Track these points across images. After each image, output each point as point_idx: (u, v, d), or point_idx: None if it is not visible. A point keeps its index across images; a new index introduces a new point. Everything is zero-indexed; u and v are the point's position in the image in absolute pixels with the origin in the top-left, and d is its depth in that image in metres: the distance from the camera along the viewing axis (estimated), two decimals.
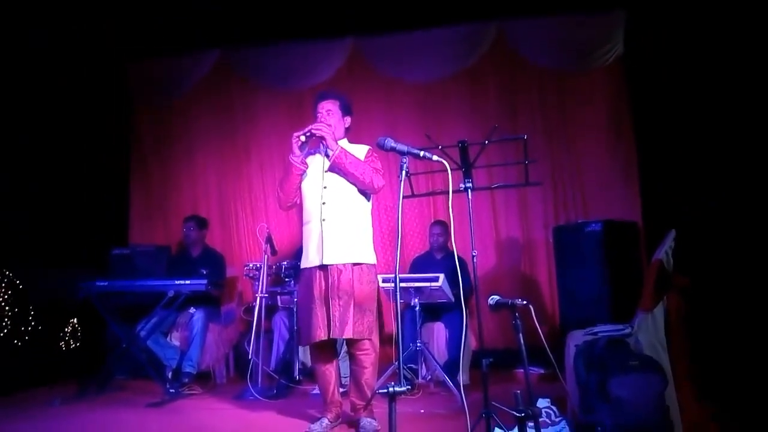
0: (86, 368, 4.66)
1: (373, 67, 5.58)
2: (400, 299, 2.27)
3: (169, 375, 4.49)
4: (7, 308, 5.07)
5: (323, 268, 3.10)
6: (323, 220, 3.09)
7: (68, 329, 5.40)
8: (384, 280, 4.14)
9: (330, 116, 3.19)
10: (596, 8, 5.09)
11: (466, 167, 2.98)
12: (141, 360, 4.30)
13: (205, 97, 5.84)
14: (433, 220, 5.11)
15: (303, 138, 3.07)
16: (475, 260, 2.83)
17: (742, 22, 4.15)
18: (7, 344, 4.98)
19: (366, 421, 3.11)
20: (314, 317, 3.06)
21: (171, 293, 4.14)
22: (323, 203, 3.11)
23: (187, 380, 4.43)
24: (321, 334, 3.03)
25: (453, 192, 2.43)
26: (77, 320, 5.42)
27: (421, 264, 4.80)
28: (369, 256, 3.16)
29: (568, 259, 4.43)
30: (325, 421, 3.16)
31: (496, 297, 2.45)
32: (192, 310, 4.65)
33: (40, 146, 5.37)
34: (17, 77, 5.16)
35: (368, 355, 3.13)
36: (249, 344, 4.33)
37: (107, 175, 5.79)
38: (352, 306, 3.02)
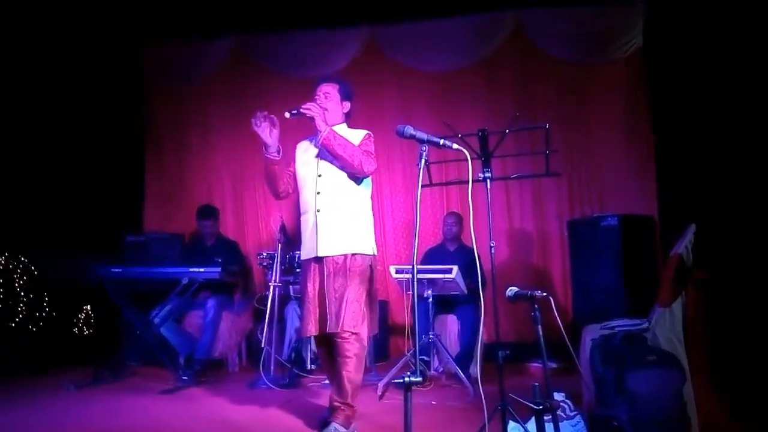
0: (100, 354, 4.69)
1: (388, 57, 5.54)
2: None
3: (182, 362, 4.51)
4: (22, 294, 5.12)
5: (319, 260, 3.00)
6: (317, 210, 3.00)
7: (82, 315, 5.45)
8: (398, 271, 4.13)
9: (327, 99, 3.07)
10: None
11: (485, 156, 2.94)
12: (154, 347, 4.32)
13: (220, 84, 5.83)
14: (447, 212, 5.08)
15: (287, 115, 2.93)
16: (493, 251, 2.80)
17: (764, 13, 4.08)
18: (23, 329, 5.03)
19: (333, 428, 2.84)
20: (307, 311, 2.99)
21: (185, 280, 4.15)
22: (317, 193, 3.02)
23: (199, 368, 4.44)
24: (312, 329, 2.96)
25: (472, 182, 2.40)
26: (91, 306, 5.47)
27: (434, 255, 4.78)
28: (365, 246, 3.03)
29: (584, 253, 4.40)
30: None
31: (515, 288, 2.42)
32: (205, 297, 4.66)
33: (55, 131, 5.39)
34: (34, 61, 5.19)
35: (350, 343, 2.91)
36: (262, 333, 4.35)
37: (122, 161, 5.80)
38: (345, 298, 2.90)
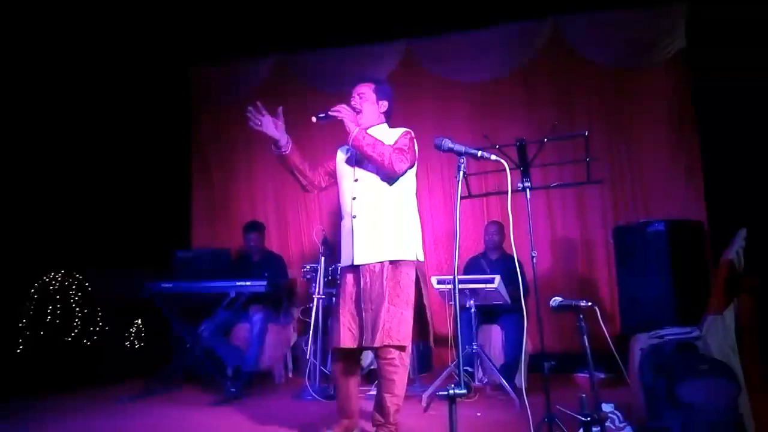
0: (151, 367, 4.83)
1: (425, 69, 5.58)
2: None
3: (230, 374, 4.60)
4: (77, 309, 5.32)
5: (355, 268, 2.87)
6: (354, 216, 2.87)
7: (133, 329, 5.62)
8: (439, 282, 4.13)
9: (363, 100, 2.96)
10: (655, 1, 4.93)
11: (524, 166, 2.93)
12: (203, 359, 4.42)
13: (263, 101, 5.94)
14: (488, 221, 5.05)
15: (314, 119, 2.88)
16: (534, 261, 2.79)
17: None
18: (78, 343, 5.22)
19: None
20: (341, 322, 2.84)
21: (232, 294, 4.24)
22: (353, 198, 2.89)
23: (247, 380, 4.52)
24: (347, 341, 2.80)
25: (511, 192, 2.40)
26: (142, 321, 5.64)
27: (476, 265, 4.76)
28: (407, 252, 2.84)
29: (630, 260, 4.30)
30: None
31: (559, 298, 2.40)
32: (252, 311, 4.75)
33: (106, 151, 5.62)
34: (88, 84, 5.43)
35: (394, 366, 2.76)
36: (306, 345, 4.40)
37: (170, 179, 5.99)
38: (384, 310, 2.72)
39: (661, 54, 4.99)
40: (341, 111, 2.85)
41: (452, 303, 2.43)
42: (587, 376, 2.89)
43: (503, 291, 4.01)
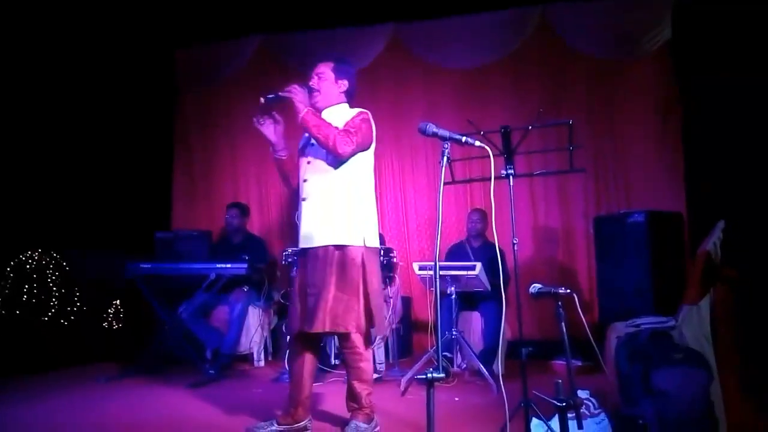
0: (129, 348, 4.80)
1: (413, 53, 5.55)
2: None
3: (209, 356, 4.59)
4: (54, 289, 5.25)
5: (303, 252, 2.83)
6: (303, 199, 2.83)
7: (112, 310, 5.56)
8: (420, 268, 4.14)
9: (321, 79, 2.88)
10: None
11: (508, 153, 2.93)
12: (182, 341, 4.40)
13: (246, 83, 5.89)
14: (471, 208, 5.06)
15: (262, 100, 2.80)
16: (516, 248, 2.80)
17: None
18: (55, 324, 5.16)
19: (353, 425, 2.78)
20: (292, 307, 2.85)
21: (213, 276, 4.22)
22: (305, 180, 2.85)
23: (226, 362, 4.52)
24: (295, 326, 2.79)
25: (494, 179, 2.40)
26: (120, 302, 5.58)
27: (458, 252, 4.77)
28: (354, 237, 2.76)
29: (610, 250, 4.35)
30: (274, 425, 2.86)
31: (538, 285, 2.42)
32: (232, 293, 4.73)
33: (86, 131, 5.52)
34: (68, 62, 5.31)
35: (357, 354, 2.76)
36: (286, 328, 4.39)
37: (152, 160, 5.92)
38: (329, 295, 2.68)
39: (647, 46, 5.01)
40: (292, 91, 2.78)
41: (433, 289, 2.42)
42: (564, 363, 2.93)
43: (484, 278, 4.03)
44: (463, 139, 2.34)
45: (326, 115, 2.86)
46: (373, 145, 2.91)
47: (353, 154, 2.78)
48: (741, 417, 2.60)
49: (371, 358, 2.87)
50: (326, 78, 2.90)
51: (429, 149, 5.44)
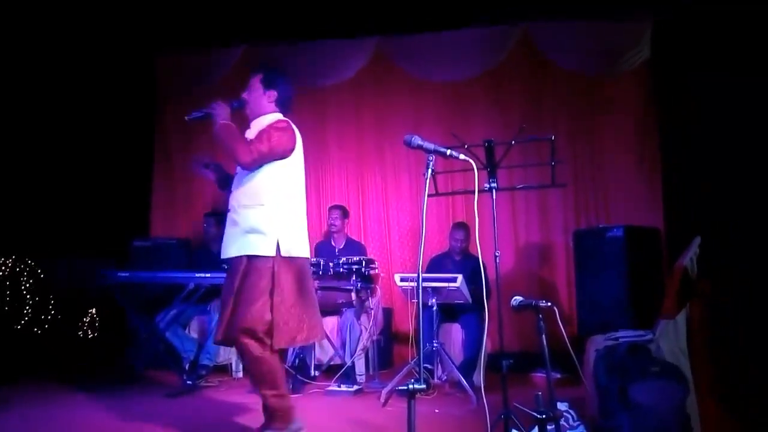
0: (104, 358, 4.72)
1: (397, 67, 5.57)
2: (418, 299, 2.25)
3: (187, 367, 4.53)
4: (28, 296, 5.16)
5: (227, 262, 2.84)
6: (228, 210, 2.86)
7: (87, 319, 5.48)
8: (402, 279, 4.14)
9: (249, 91, 2.92)
10: (623, 12, 5.04)
11: (491, 167, 2.97)
12: (159, 351, 4.33)
13: (229, 93, 5.83)
14: (454, 223, 5.06)
15: (186, 118, 2.88)
16: (497, 261, 2.82)
17: None
18: (28, 332, 5.06)
19: None
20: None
21: (191, 286, 4.17)
22: (230, 191, 2.90)
23: (204, 372, 4.46)
24: (217, 336, 2.78)
25: (478, 192, 2.42)
26: (96, 310, 5.50)
27: (440, 264, 4.78)
28: (269, 248, 2.70)
29: (589, 264, 4.40)
30: None
31: (520, 298, 2.44)
32: (211, 303, 4.68)
33: (64, 138, 5.45)
34: (46, 68, 5.25)
35: (249, 357, 2.69)
36: None
37: (131, 168, 5.85)
38: (229, 306, 2.70)
39: (626, 64, 5.11)
40: (215, 108, 2.83)
41: (415, 301, 2.42)
42: (544, 375, 2.95)
43: (465, 290, 4.05)
44: (448, 152, 2.36)
45: (255, 125, 2.89)
46: (297, 153, 2.89)
47: (258, 162, 2.74)
48: (717, 430, 2.64)
49: (273, 360, 2.73)
50: (255, 89, 2.92)
51: (412, 161, 5.46)
